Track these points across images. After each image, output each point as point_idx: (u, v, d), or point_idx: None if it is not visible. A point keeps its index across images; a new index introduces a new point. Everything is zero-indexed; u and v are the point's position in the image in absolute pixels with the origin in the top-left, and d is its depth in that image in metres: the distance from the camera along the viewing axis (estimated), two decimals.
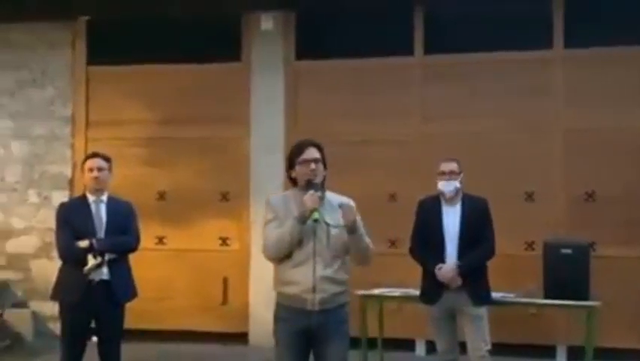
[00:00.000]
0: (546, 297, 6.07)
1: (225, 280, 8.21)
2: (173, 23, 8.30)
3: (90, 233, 5.10)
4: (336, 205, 4.18)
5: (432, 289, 5.47)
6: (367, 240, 4.19)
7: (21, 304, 8.38)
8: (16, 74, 8.70)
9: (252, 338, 8.03)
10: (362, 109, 8.01)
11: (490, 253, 5.49)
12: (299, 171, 4.20)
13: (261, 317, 7.76)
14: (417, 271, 5.67)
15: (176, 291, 8.21)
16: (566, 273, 6.01)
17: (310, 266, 4.08)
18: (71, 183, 8.49)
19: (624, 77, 7.51)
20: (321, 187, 4.18)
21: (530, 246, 7.49)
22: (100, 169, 5.26)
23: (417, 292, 5.74)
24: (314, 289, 4.06)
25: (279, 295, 4.23)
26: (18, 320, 7.99)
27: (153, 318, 7.97)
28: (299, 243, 4.09)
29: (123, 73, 8.49)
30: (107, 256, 5.07)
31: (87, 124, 8.58)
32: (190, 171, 8.31)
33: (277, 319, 4.24)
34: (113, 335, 5.26)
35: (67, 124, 8.61)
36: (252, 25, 8.26)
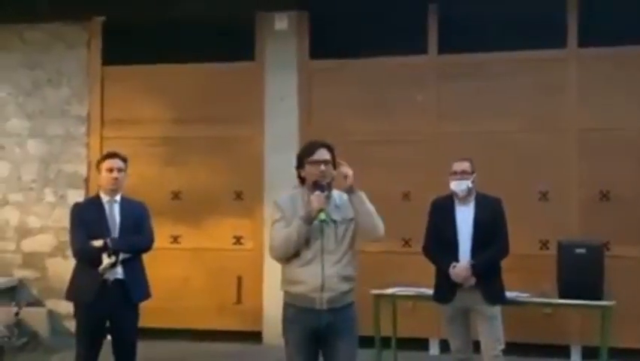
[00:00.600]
0: (560, 297, 6.06)
1: (239, 280, 8.23)
2: (187, 23, 8.32)
3: (104, 233, 5.13)
4: (341, 202, 4.21)
5: (445, 289, 5.48)
6: (371, 206, 4.18)
7: (37, 303, 8.44)
8: (31, 73, 8.76)
9: (266, 336, 8.05)
10: (375, 108, 8.01)
11: (504, 252, 5.49)
12: (308, 170, 4.23)
13: (275, 316, 7.68)
14: (431, 270, 5.68)
15: (191, 290, 8.25)
16: (580, 273, 6.00)
17: (318, 265, 4.11)
18: (87, 182, 8.54)
19: (638, 76, 7.47)
20: (328, 187, 4.19)
21: (544, 245, 7.47)
22: (119, 170, 5.29)
23: (431, 292, 5.75)
24: (322, 288, 4.09)
25: (287, 294, 4.25)
26: (34, 318, 8.04)
27: (167, 317, 8.01)
28: (306, 242, 4.12)
29: (138, 72, 8.53)
30: (121, 256, 5.10)
31: (102, 123, 8.63)
32: (204, 170, 8.34)
33: (286, 319, 4.26)
34: (128, 335, 5.28)
35: (83, 123, 8.66)
36: (265, 24, 8.27)
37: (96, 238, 5.07)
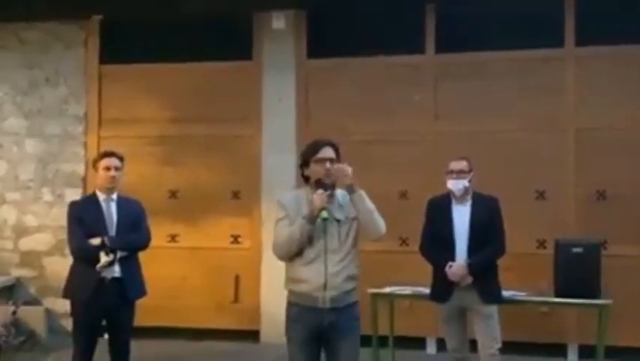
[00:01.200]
0: (557, 295, 6.06)
1: (237, 278, 8.24)
2: (184, 22, 8.32)
3: (101, 231, 5.15)
4: (345, 201, 4.21)
5: (442, 288, 5.49)
6: (372, 205, 4.19)
7: (34, 302, 8.44)
8: (29, 72, 8.75)
9: (264, 335, 8.06)
10: (373, 107, 8.01)
11: (501, 251, 5.50)
12: (313, 169, 4.23)
13: (272, 314, 7.78)
14: (428, 269, 5.69)
15: (188, 289, 8.25)
16: (577, 271, 5.99)
17: (321, 263, 4.11)
18: (84, 181, 8.54)
19: (636, 75, 7.48)
20: (332, 186, 4.20)
21: (541, 244, 7.48)
22: (116, 169, 5.31)
23: (428, 291, 5.76)
24: (325, 287, 4.09)
25: (290, 293, 4.26)
26: (31, 317, 8.03)
27: (165, 315, 8.02)
28: (310, 240, 4.12)
29: (136, 71, 8.52)
30: (118, 254, 5.12)
31: (100, 122, 8.62)
32: (201, 169, 8.35)
33: (289, 318, 4.26)
34: (124, 332, 5.31)
35: (81, 122, 8.65)
36: (263, 23, 8.27)
37: (93, 236, 5.09)
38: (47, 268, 8.55)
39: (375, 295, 6.32)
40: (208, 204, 8.30)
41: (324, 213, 4.06)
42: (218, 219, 8.28)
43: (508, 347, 5.64)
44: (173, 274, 8.18)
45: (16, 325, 7.83)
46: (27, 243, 8.68)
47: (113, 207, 5.30)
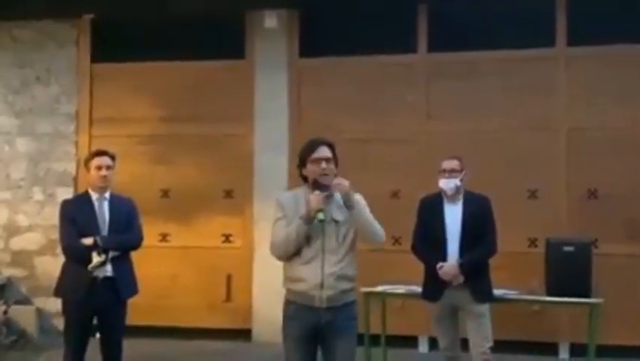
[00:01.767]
0: (548, 294, 6.07)
1: (229, 278, 8.23)
2: (176, 21, 8.31)
3: (94, 231, 5.13)
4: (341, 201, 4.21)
5: (434, 287, 5.49)
6: (369, 215, 4.20)
7: (25, 301, 8.42)
8: (20, 71, 8.73)
9: (255, 334, 8.06)
10: (366, 107, 8.02)
11: (492, 250, 5.51)
12: (310, 169, 4.22)
13: (264, 313, 7.80)
14: (420, 268, 5.69)
15: (180, 288, 8.24)
16: (569, 270, 6.01)
17: (319, 263, 4.11)
18: (76, 180, 8.52)
19: (627, 75, 7.52)
20: (329, 186, 4.19)
21: (533, 243, 7.50)
22: (108, 167, 5.29)
23: (420, 290, 5.76)
24: (322, 286, 4.09)
25: (288, 292, 4.26)
26: (23, 316, 8.02)
27: (157, 315, 8.01)
28: (307, 240, 4.12)
29: (127, 70, 8.51)
30: (110, 254, 5.10)
31: (91, 121, 8.60)
32: (193, 168, 8.34)
33: (286, 317, 4.26)
34: (116, 332, 5.29)
35: (72, 121, 8.63)
36: (255, 22, 8.27)
37: (86, 235, 5.07)
38: (38, 268, 8.53)
39: (367, 294, 6.32)
40: (200, 203, 8.29)
41: (321, 215, 4.05)
42: (210, 219, 8.28)
43: (499, 346, 5.65)
44: (165, 273, 8.17)
45: (7, 324, 7.82)
46: (18, 242, 8.65)
47: (106, 206, 5.28)
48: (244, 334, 8.10)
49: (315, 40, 8.25)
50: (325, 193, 4.11)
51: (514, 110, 7.71)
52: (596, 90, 7.55)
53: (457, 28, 7.84)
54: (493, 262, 5.59)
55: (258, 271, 8.01)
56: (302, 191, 4.29)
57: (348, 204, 4.13)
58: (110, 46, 8.56)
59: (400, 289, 6.38)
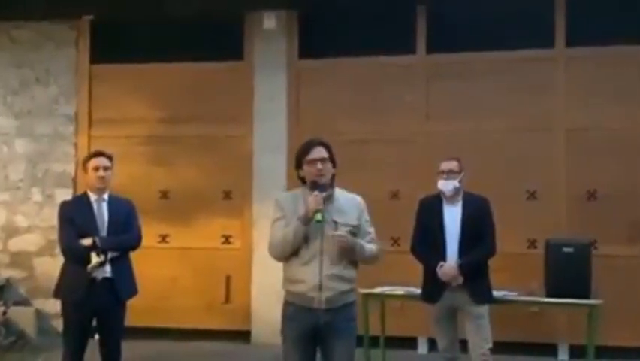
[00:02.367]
0: (548, 295, 6.08)
1: (228, 279, 8.22)
2: (176, 22, 8.31)
3: (92, 231, 5.12)
4: (345, 203, 4.21)
5: (433, 288, 5.49)
6: (371, 247, 4.23)
7: (24, 302, 8.41)
8: (19, 72, 8.72)
9: (254, 336, 8.05)
10: (365, 108, 8.02)
11: (491, 251, 5.51)
12: (306, 170, 4.22)
13: (263, 315, 7.79)
14: (419, 269, 5.69)
15: (179, 289, 8.23)
16: (568, 271, 6.02)
17: (317, 264, 4.10)
18: (75, 181, 8.51)
19: (626, 76, 7.52)
20: (330, 185, 4.19)
21: (532, 244, 7.50)
22: (105, 168, 5.28)
23: (419, 291, 5.76)
24: (320, 287, 4.09)
25: (287, 293, 4.26)
26: (21, 317, 8.01)
27: (156, 316, 8.00)
28: (306, 241, 4.11)
29: (126, 71, 8.51)
30: (109, 254, 5.10)
31: (90, 122, 8.60)
32: (193, 169, 8.33)
33: (285, 318, 4.26)
34: (115, 332, 5.29)
35: (71, 122, 8.63)
36: (254, 23, 8.27)
37: (84, 236, 5.07)
38: (37, 269, 8.52)
39: (366, 295, 6.32)
40: (199, 204, 8.29)
41: (319, 216, 4.04)
42: (209, 220, 8.27)
43: (498, 347, 5.64)
44: (164, 274, 8.16)
45: (6, 325, 7.82)
46: (17, 243, 8.65)
47: (104, 207, 5.27)
48: (243, 335, 8.10)
49: (314, 41, 8.25)
50: (324, 194, 4.10)
51: (513, 110, 7.71)
52: (595, 91, 7.55)
53: (456, 29, 7.84)
54: (492, 263, 5.59)
55: (257, 272, 8.00)
56: (301, 192, 4.28)
57: (349, 251, 4.14)
58: (109, 47, 8.56)
59: (399, 290, 6.38)
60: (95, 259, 5.03)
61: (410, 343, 7.65)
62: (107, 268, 5.12)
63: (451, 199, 5.52)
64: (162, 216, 8.23)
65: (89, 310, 5.13)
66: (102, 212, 5.25)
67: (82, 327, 5.18)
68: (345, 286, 4.17)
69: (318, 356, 4.25)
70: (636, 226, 7.34)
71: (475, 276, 5.40)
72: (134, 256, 5.40)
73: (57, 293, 5.31)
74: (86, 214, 5.21)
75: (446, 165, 5.53)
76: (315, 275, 4.10)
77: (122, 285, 5.21)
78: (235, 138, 8.29)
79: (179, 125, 8.36)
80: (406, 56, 8.01)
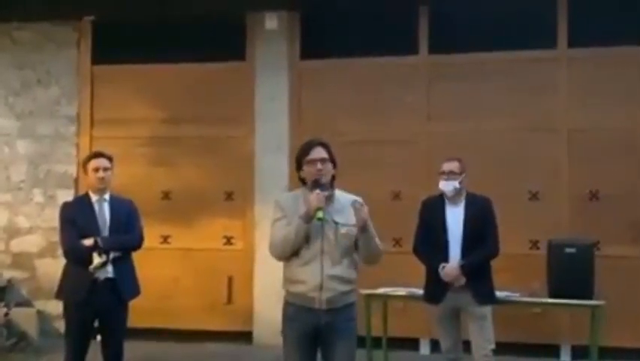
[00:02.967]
0: (550, 296, 6.06)
1: (230, 280, 8.22)
2: (177, 22, 8.31)
3: (94, 232, 5.13)
4: (345, 204, 4.19)
5: (436, 289, 5.48)
6: (377, 240, 4.21)
7: (26, 303, 8.40)
8: (21, 73, 8.72)
9: (257, 337, 8.04)
10: (366, 108, 8.02)
11: (494, 252, 5.50)
12: (306, 170, 4.22)
13: (265, 316, 7.78)
14: (421, 270, 5.68)
15: (181, 290, 8.23)
16: (571, 272, 6.00)
17: (318, 265, 4.10)
18: (76, 182, 8.51)
19: (628, 77, 7.51)
20: (330, 186, 4.19)
21: (535, 245, 7.49)
22: (105, 169, 5.29)
23: (421, 292, 5.75)
24: (321, 288, 4.09)
25: (287, 293, 4.25)
26: (23, 318, 7.99)
27: (158, 317, 7.99)
28: (307, 241, 4.11)
29: (128, 72, 8.51)
30: (111, 255, 5.10)
31: (92, 123, 8.60)
32: (194, 170, 8.33)
33: (285, 318, 4.26)
34: (118, 333, 5.29)
35: (72, 123, 8.63)
36: (256, 24, 8.26)
37: (86, 237, 5.07)
38: (39, 270, 8.51)
39: (368, 296, 6.31)
40: (201, 205, 8.28)
41: (320, 213, 4.03)
42: (211, 220, 8.27)
43: (501, 348, 5.63)
44: (166, 275, 8.16)
45: (7, 327, 7.80)
46: (18, 244, 8.64)
47: (106, 207, 5.27)
48: (245, 336, 8.09)
49: (315, 42, 8.25)
50: (326, 193, 4.10)
51: (515, 111, 7.70)
52: (597, 91, 7.53)
53: (458, 30, 7.83)
54: (494, 263, 5.58)
55: (259, 273, 8.00)
56: (300, 192, 4.28)
57: (362, 227, 4.11)
58: (111, 48, 8.55)
59: (402, 291, 6.36)
60: (96, 259, 5.03)
61: (412, 344, 7.64)
62: (109, 268, 5.12)
63: (454, 200, 5.52)
64: (164, 217, 8.23)
65: (91, 310, 5.12)
66: (103, 213, 5.26)
67: (84, 328, 5.17)
68: (345, 287, 4.17)
69: (319, 356, 4.25)
70: (638, 227, 7.33)
71: (478, 277, 5.40)
72: (136, 256, 5.40)
73: (59, 294, 5.31)
74: (88, 215, 5.21)
75: (447, 166, 5.53)
76: (316, 276, 4.09)
77: (125, 285, 5.21)
78: (237, 139, 8.28)
79: (181, 126, 8.36)
80: (407, 56, 8.00)
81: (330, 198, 4.15)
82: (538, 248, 7.35)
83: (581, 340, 6.54)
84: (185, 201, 8.33)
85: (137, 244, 5.34)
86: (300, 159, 4.28)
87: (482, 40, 7.75)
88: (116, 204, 5.32)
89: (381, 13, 8.01)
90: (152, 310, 7.66)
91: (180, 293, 8.22)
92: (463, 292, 5.39)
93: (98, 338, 5.31)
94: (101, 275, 5.10)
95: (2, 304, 8.06)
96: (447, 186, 5.50)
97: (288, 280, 4.24)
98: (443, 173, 5.53)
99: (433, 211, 5.58)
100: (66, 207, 5.36)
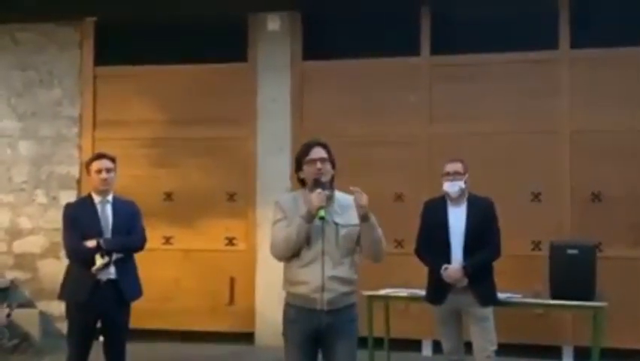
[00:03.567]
0: (552, 298, 6.06)
1: (232, 280, 8.22)
2: (179, 24, 8.31)
3: (97, 233, 5.13)
4: (345, 205, 4.19)
5: (438, 290, 5.48)
6: (379, 231, 4.19)
7: (29, 304, 8.41)
8: (23, 74, 8.73)
9: (259, 338, 8.04)
10: (369, 109, 8.01)
11: (496, 253, 5.49)
12: (306, 171, 4.22)
13: (267, 317, 7.79)
14: (423, 271, 5.67)
15: (183, 291, 8.23)
16: (573, 273, 6.00)
17: (319, 266, 4.10)
18: (79, 183, 8.52)
19: (631, 78, 7.50)
20: (330, 186, 4.19)
21: (537, 246, 7.48)
22: (108, 170, 5.29)
23: (423, 293, 5.75)
24: (322, 289, 4.08)
25: (288, 295, 4.25)
26: (26, 319, 8.01)
27: (160, 318, 8.00)
28: (307, 242, 4.10)
29: (130, 73, 8.51)
30: (114, 256, 5.10)
31: (94, 124, 8.61)
32: (196, 171, 8.33)
33: (286, 319, 4.25)
34: (120, 334, 5.29)
35: (75, 124, 8.64)
36: (258, 25, 8.27)
37: (89, 238, 5.07)
38: (41, 271, 8.52)
39: (370, 298, 6.31)
40: (203, 206, 8.29)
41: (322, 212, 4.03)
42: (213, 221, 8.27)
43: (503, 350, 5.64)
44: (168, 276, 8.16)
45: (10, 327, 7.81)
46: (21, 245, 8.65)
47: (109, 208, 5.28)
48: (247, 337, 8.09)
49: (318, 43, 8.25)
50: (327, 192, 4.10)
51: (517, 112, 7.69)
52: (600, 93, 7.53)
53: (461, 31, 7.84)
54: (496, 265, 5.58)
55: (261, 274, 8.00)
56: (300, 193, 4.29)
57: (363, 215, 4.10)
58: (113, 49, 8.56)
59: (403, 292, 6.37)
60: (99, 260, 5.03)
61: (414, 345, 7.64)
62: (112, 269, 5.12)
63: (456, 201, 5.51)
64: (166, 218, 8.24)
65: (93, 311, 5.13)
66: (106, 214, 5.26)
67: (86, 329, 5.17)
68: (346, 288, 4.16)
69: (320, 357, 4.25)
70: None
71: (480, 278, 5.39)
72: (138, 257, 5.39)
73: (62, 295, 5.31)
74: (90, 216, 5.21)
75: (451, 167, 5.52)
76: (317, 277, 4.09)
77: (127, 286, 5.21)
78: (239, 140, 8.29)
79: (183, 127, 8.36)
80: (410, 57, 8.00)
81: (330, 199, 4.15)
82: (540, 249, 7.35)
83: (583, 341, 6.54)
84: (188, 202, 8.33)
85: (140, 245, 5.34)
86: (299, 159, 4.28)
87: (484, 42, 7.75)
88: (118, 205, 5.33)
89: (383, 14, 8.01)
90: (154, 311, 7.68)
91: (182, 294, 8.23)
92: (464, 293, 5.38)
93: (101, 339, 5.31)
94: (104, 276, 5.10)
95: (5, 305, 8.07)
96: (452, 187, 5.49)
97: (288, 282, 4.23)
98: (448, 174, 5.51)
99: (435, 213, 5.57)
100: (69, 208, 5.36)
